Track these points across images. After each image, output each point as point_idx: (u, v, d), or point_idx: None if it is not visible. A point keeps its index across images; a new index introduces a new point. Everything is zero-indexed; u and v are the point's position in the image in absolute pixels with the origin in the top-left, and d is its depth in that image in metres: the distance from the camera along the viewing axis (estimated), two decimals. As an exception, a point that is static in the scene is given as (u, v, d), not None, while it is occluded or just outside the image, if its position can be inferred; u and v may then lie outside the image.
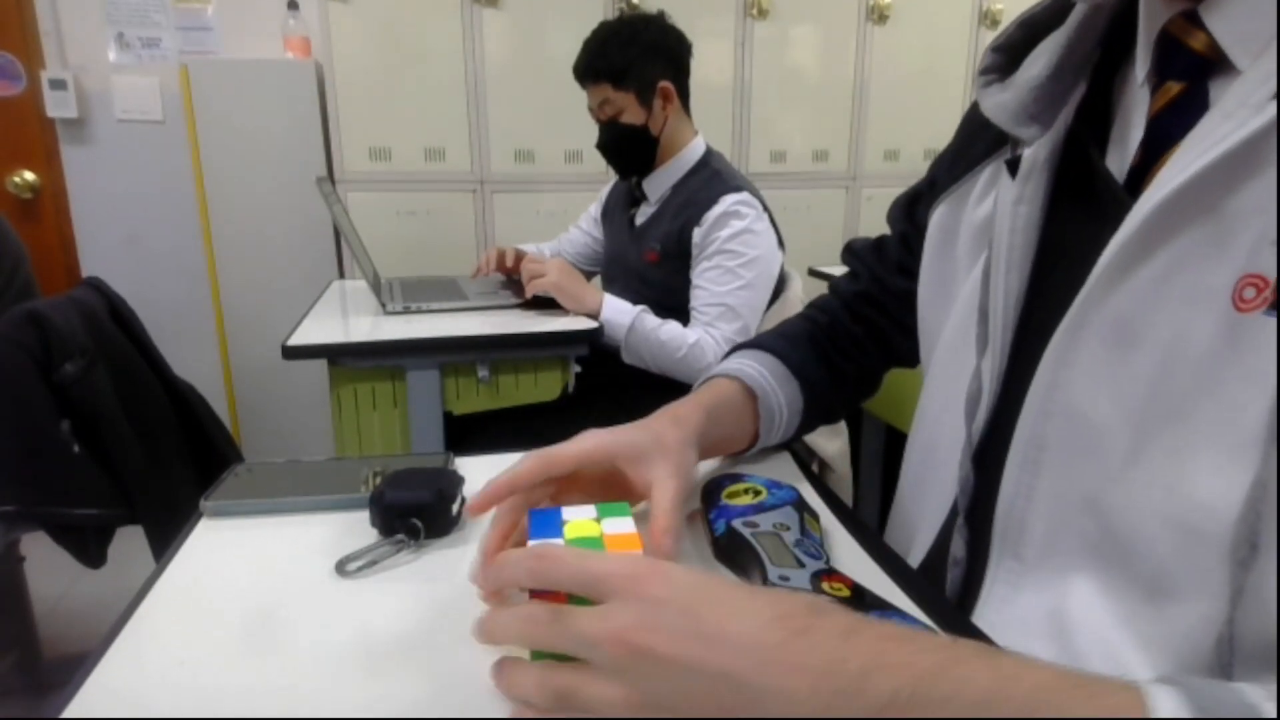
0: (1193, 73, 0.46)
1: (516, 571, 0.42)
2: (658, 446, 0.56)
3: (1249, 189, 0.39)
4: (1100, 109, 0.53)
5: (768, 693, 0.33)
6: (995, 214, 0.56)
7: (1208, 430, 0.41)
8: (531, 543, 0.45)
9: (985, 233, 0.58)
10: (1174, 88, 0.47)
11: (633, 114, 1.62)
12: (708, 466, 0.69)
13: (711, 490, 0.62)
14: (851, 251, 0.82)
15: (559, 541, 0.45)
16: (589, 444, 0.55)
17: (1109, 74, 0.54)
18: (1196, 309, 0.41)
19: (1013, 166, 0.55)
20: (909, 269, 0.68)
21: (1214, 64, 0.45)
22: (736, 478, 0.63)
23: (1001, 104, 0.55)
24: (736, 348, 0.78)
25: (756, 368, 0.71)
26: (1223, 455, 0.40)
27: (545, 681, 0.38)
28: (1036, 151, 0.54)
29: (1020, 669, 0.32)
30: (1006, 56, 0.57)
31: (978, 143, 0.61)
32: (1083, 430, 0.47)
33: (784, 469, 0.73)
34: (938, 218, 0.65)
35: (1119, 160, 0.50)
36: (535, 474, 0.52)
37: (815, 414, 0.76)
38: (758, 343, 0.76)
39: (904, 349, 0.75)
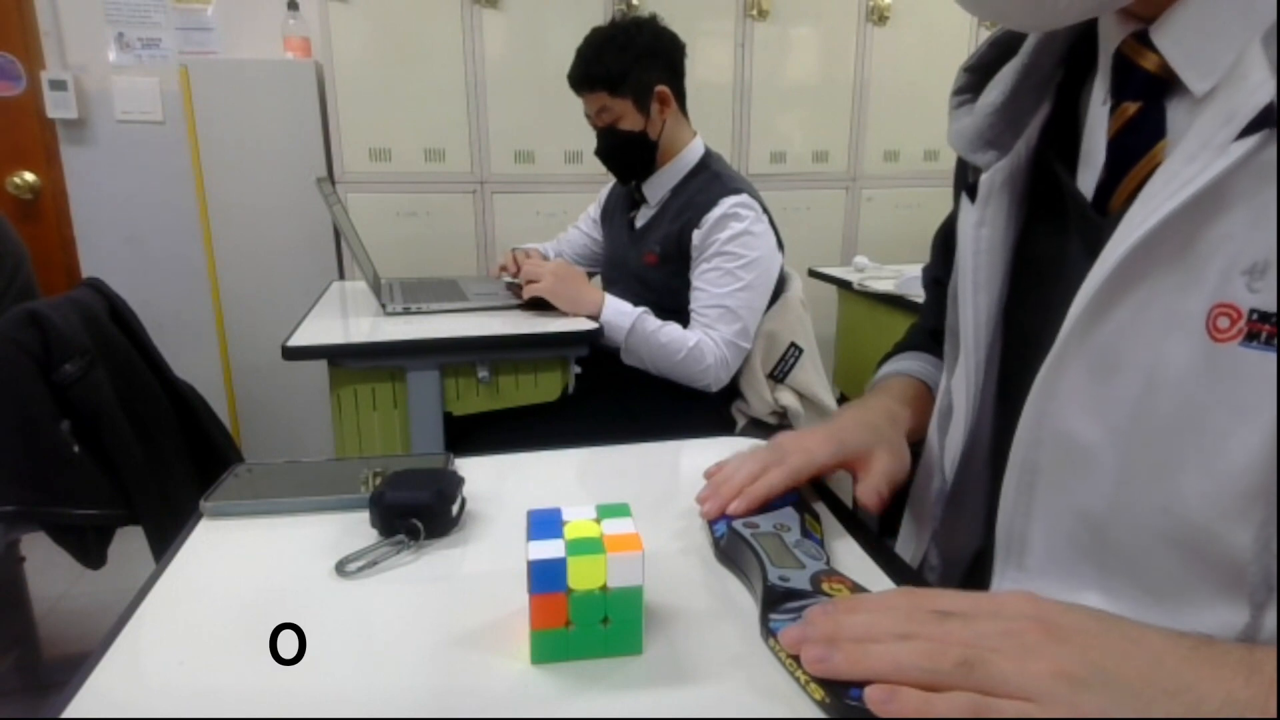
0: (1147, 93, 0.46)
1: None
2: (880, 441, 0.62)
3: (1217, 223, 0.40)
4: (1068, 126, 0.54)
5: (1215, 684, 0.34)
6: (958, 237, 0.57)
7: (1192, 456, 0.41)
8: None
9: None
10: (1130, 108, 0.47)
11: (631, 120, 1.62)
12: (694, 469, 0.69)
13: None
14: (924, 278, 0.84)
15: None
16: (824, 457, 0.61)
17: (1075, 91, 0.54)
18: (1173, 337, 0.42)
19: (971, 191, 0.55)
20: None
21: (1168, 84, 0.45)
22: None
23: (960, 131, 0.56)
24: (904, 349, 0.79)
25: (928, 370, 0.76)
26: (1210, 482, 0.40)
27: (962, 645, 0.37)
28: (994, 176, 0.55)
29: None
30: (978, 76, 0.58)
31: (962, 164, 0.62)
32: (1073, 453, 0.48)
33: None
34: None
35: (1089, 177, 0.51)
36: (786, 486, 0.58)
37: None
38: (921, 344, 0.79)
39: None
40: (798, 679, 0.42)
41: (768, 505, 0.58)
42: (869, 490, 0.59)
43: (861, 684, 0.38)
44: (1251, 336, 0.38)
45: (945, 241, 0.76)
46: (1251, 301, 0.39)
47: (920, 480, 0.67)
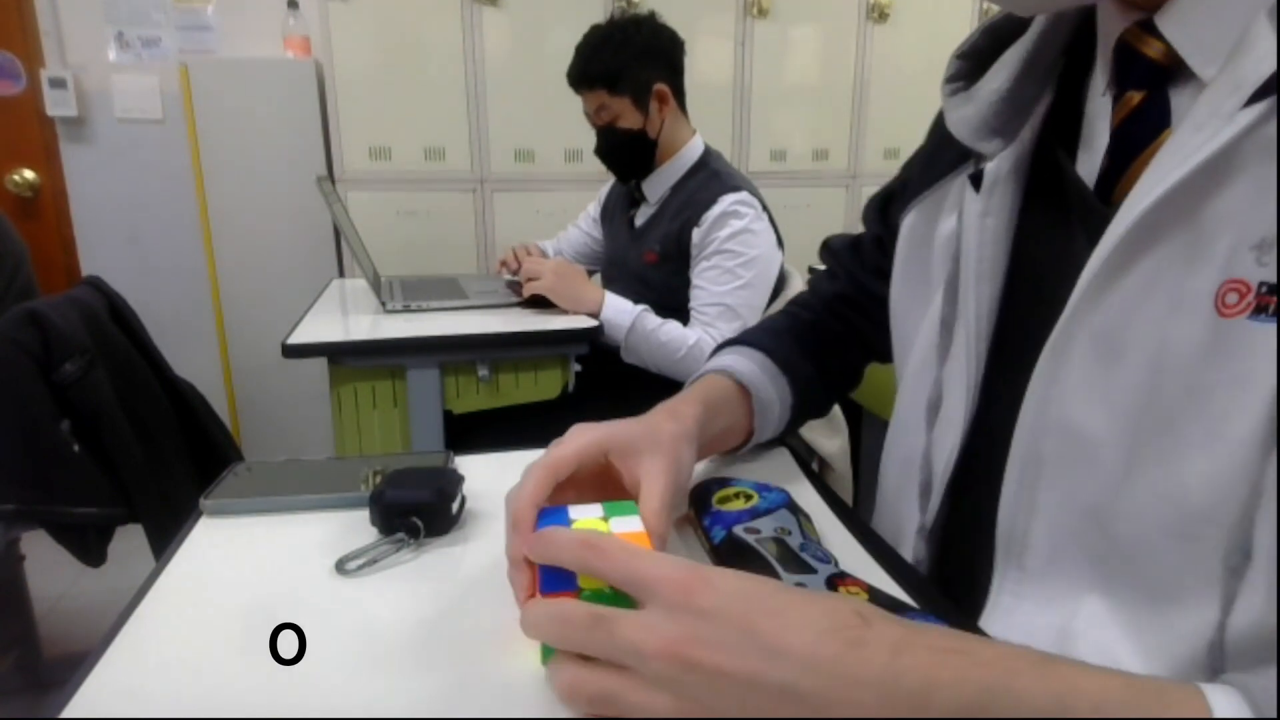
0: (1152, 81, 0.46)
1: (562, 553, 0.41)
2: (651, 440, 0.54)
3: (1223, 197, 0.39)
4: (1070, 116, 0.53)
5: (832, 705, 0.33)
6: (961, 227, 0.57)
7: (1198, 438, 0.41)
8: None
9: (953, 244, 0.58)
10: (1135, 97, 0.47)
11: (630, 118, 1.62)
12: (699, 468, 0.68)
13: (701, 496, 0.60)
14: (829, 250, 0.82)
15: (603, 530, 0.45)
16: (584, 440, 0.53)
17: (1077, 81, 0.54)
18: (1180, 317, 0.41)
19: (976, 180, 0.55)
20: (885, 271, 0.69)
21: (1173, 72, 0.45)
22: (724, 482, 0.61)
23: (963, 118, 0.55)
24: (723, 345, 0.78)
25: (747, 364, 0.72)
26: (1212, 463, 0.40)
27: (582, 684, 0.37)
28: (999, 164, 0.54)
29: (1079, 680, 0.33)
30: (971, 63, 0.57)
31: (948, 150, 0.60)
32: (1079, 444, 0.47)
33: (784, 468, 0.73)
34: (909, 224, 0.64)
35: (1089, 168, 0.50)
36: (546, 486, 0.50)
37: (805, 408, 0.76)
38: (745, 339, 0.76)
39: (882, 347, 0.74)
40: None
41: (760, 509, 0.57)
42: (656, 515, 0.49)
43: None
44: (1260, 310, 0.38)
45: (883, 207, 0.75)
46: (1260, 275, 0.38)
47: (898, 474, 0.66)
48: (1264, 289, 0.38)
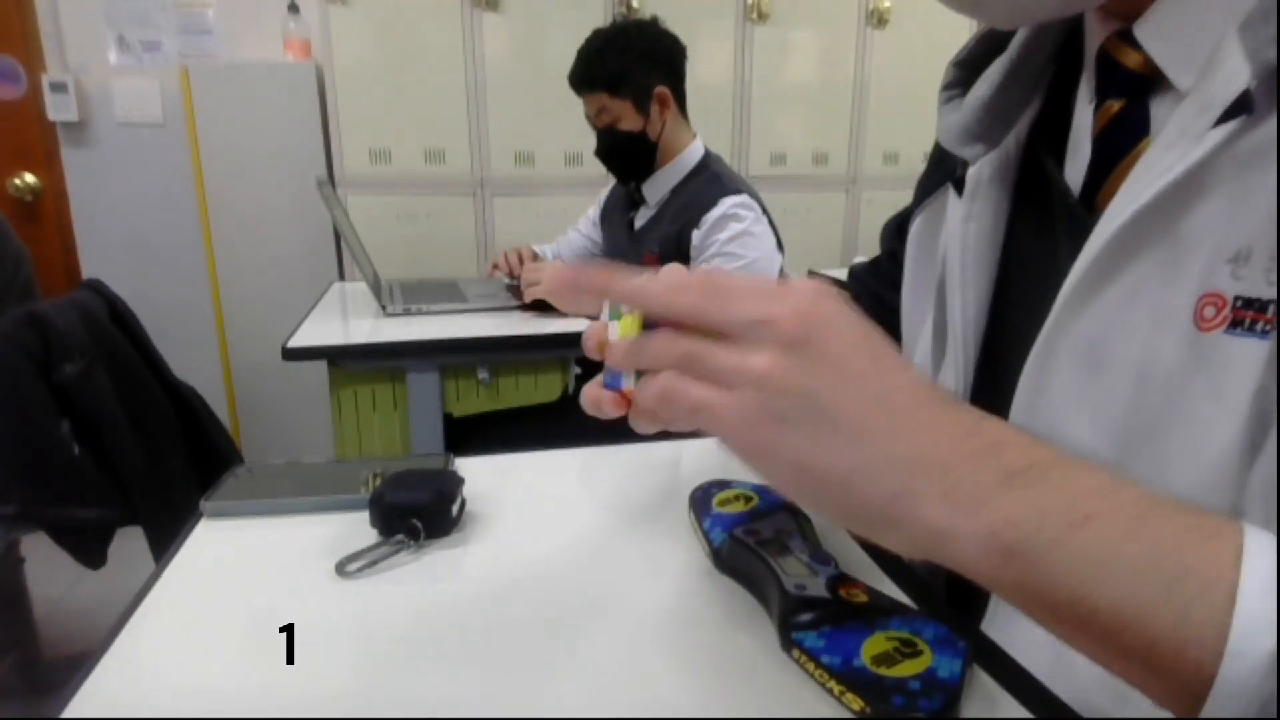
0: (1131, 91, 0.46)
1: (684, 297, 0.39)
2: None
3: (1198, 213, 0.40)
4: (1059, 123, 0.54)
5: (915, 424, 0.34)
6: (947, 232, 0.57)
7: (1181, 450, 0.41)
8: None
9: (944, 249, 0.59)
10: (1114, 106, 0.47)
11: (630, 121, 1.62)
12: (695, 470, 0.69)
13: (701, 499, 0.61)
14: (852, 275, 0.83)
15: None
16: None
17: (1067, 89, 0.54)
18: (1161, 330, 0.41)
19: (959, 185, 0.55)
20: (900, 283, 0.69)
21: (1152, 81, 0.45)
22: (724, 484, 0.62)
23: (948, 125, 0.56)
24: None
25: None
26: (1196, 475, 0.40)
27: (675, 343, 0.37)
28: (981, 169, 0.54)
29: (1132, 482, 0.34)
30: (967, 71, 0.58)
31: (947, 159, 0.61)
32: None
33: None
34: (914, 232, 0.65)
35: (1075, 174, 0.51)
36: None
37: None
38: None
39: None
40: (830, 690, 0.41)
41: (760, 511, 0.57)
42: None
43: (903, 689, 0.39)
44: (1235, 324, 0.38)
45: (899, 228, 0.76)
46: (1236, 289, 0.38)
47: None
48: (1239, 303, 0.38)
